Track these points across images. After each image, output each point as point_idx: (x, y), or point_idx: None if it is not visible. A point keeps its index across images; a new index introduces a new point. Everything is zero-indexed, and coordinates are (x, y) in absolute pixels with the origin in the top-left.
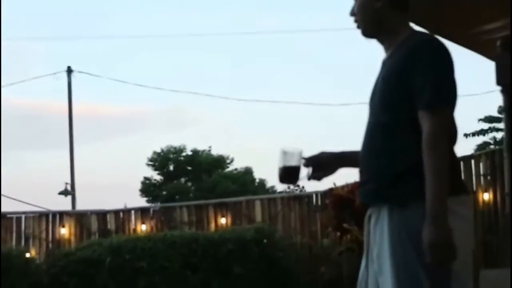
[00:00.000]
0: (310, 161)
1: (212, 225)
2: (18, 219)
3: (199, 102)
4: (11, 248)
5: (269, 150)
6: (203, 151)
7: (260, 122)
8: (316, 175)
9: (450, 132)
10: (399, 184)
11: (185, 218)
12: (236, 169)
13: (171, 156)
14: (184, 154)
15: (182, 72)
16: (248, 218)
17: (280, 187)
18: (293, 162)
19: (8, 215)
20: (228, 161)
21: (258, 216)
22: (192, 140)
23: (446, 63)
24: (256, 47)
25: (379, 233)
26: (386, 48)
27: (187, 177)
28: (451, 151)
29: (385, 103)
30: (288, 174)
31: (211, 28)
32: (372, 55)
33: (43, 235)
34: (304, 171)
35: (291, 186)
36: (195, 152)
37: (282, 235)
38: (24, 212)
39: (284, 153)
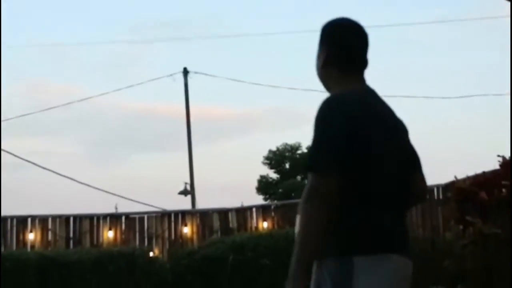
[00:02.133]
0: None
1: None
2: (141, 219)
3: (314, 99)
4: (135, 247)
5: None
6: None
7: None
8: None
9: (332, 193)
10: None
11: None
12: None
13: (287, 154)
14: (299, 152)
15: (297, 68)
16: None
17: None
18: None
19: (131, 215)
20: None
21: None
22: (307, 138)
23: (330, 124)
24: (385, 39)
25: None
26: None
27: (303, 174)
28: (369, 210)
29: None
30: None
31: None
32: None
33: (166, 234)
34: None
35: None
36: None
37: None
38: (146, 212)
39: None
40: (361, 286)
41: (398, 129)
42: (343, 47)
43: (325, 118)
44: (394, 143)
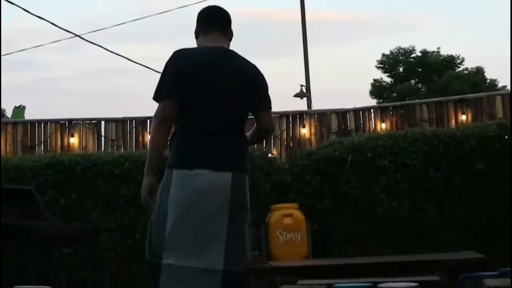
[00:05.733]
0: None
1: (453, 122)
2: None
3: (429, 3)
4: (254, 148)
5: (501, 49)
6: (433, 52)
7: (492, 19)
8: None
9: (170, 115)
10: None
11: (425, 116)
12: (466, 68)
13: (401, 58)
14: (413, 55)
15: None
16: (489, 114)
17: None
18: None
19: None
20: (458, 61)
21: (499, 112)
22: (420, 41)
23: (166, 68)
24: None
25: None
26: None
27: (417, 78)
28: (188, 135)
29: None
30: None
31: None
32: None
33: (284, 135)
34: None
35: None
36: (425, 53)
37: None
38: None
39: None
40: (173, 190)
41: (235, 78)
42: (201, 23)
43: (166, 64)
44: (224, 88)
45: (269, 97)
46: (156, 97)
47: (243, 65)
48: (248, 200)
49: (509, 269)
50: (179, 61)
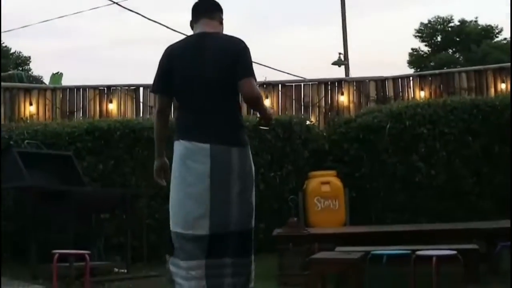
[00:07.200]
0: None
1: (492, 91)
2: (298, 87)
3: None
4: (292, 115)
5: None
6: (471, 21)
7: None
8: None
9: (162, 108)
10: None
11: (464, 84)
12: (505, 38)
13: (439, 27)
14: (451, 24)
15: None
16: None
17: None
18: None
19: (287, 84)
20: (496, 30)
21: None
22: (458, 10)
23: (159, 64)
24: None
25: None
26: None
27: (454, 48)
28: (186, 116)
29: None
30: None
31: None
32: None
33: (322, 102)
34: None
35: None
36: (463, 22)
37: None
38: (303, 80)
39: None
40: (174, 156)
41: (210, 56)
42: (193, 14)
43: (159, 60)
44: (201, 69)
45: (249, 66)
46: (152, 91)
47: (220, 42)
48: (235, 171)
49: None
50: (166, 56)
